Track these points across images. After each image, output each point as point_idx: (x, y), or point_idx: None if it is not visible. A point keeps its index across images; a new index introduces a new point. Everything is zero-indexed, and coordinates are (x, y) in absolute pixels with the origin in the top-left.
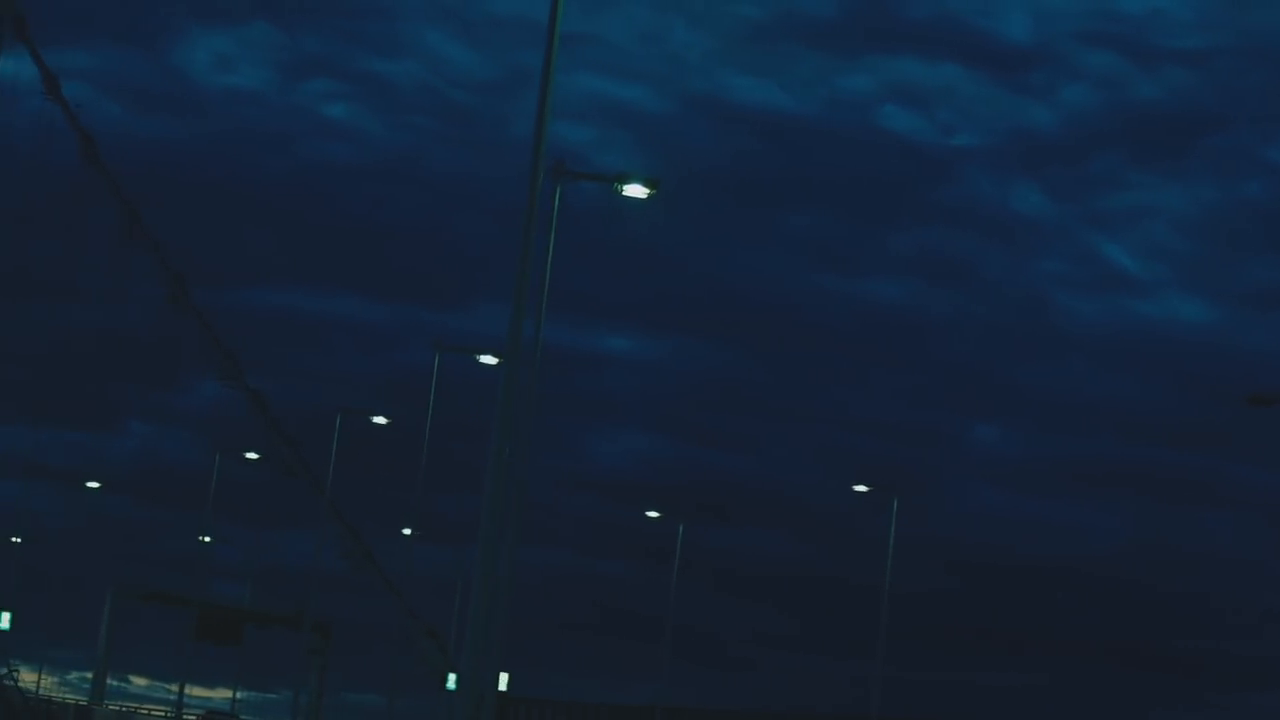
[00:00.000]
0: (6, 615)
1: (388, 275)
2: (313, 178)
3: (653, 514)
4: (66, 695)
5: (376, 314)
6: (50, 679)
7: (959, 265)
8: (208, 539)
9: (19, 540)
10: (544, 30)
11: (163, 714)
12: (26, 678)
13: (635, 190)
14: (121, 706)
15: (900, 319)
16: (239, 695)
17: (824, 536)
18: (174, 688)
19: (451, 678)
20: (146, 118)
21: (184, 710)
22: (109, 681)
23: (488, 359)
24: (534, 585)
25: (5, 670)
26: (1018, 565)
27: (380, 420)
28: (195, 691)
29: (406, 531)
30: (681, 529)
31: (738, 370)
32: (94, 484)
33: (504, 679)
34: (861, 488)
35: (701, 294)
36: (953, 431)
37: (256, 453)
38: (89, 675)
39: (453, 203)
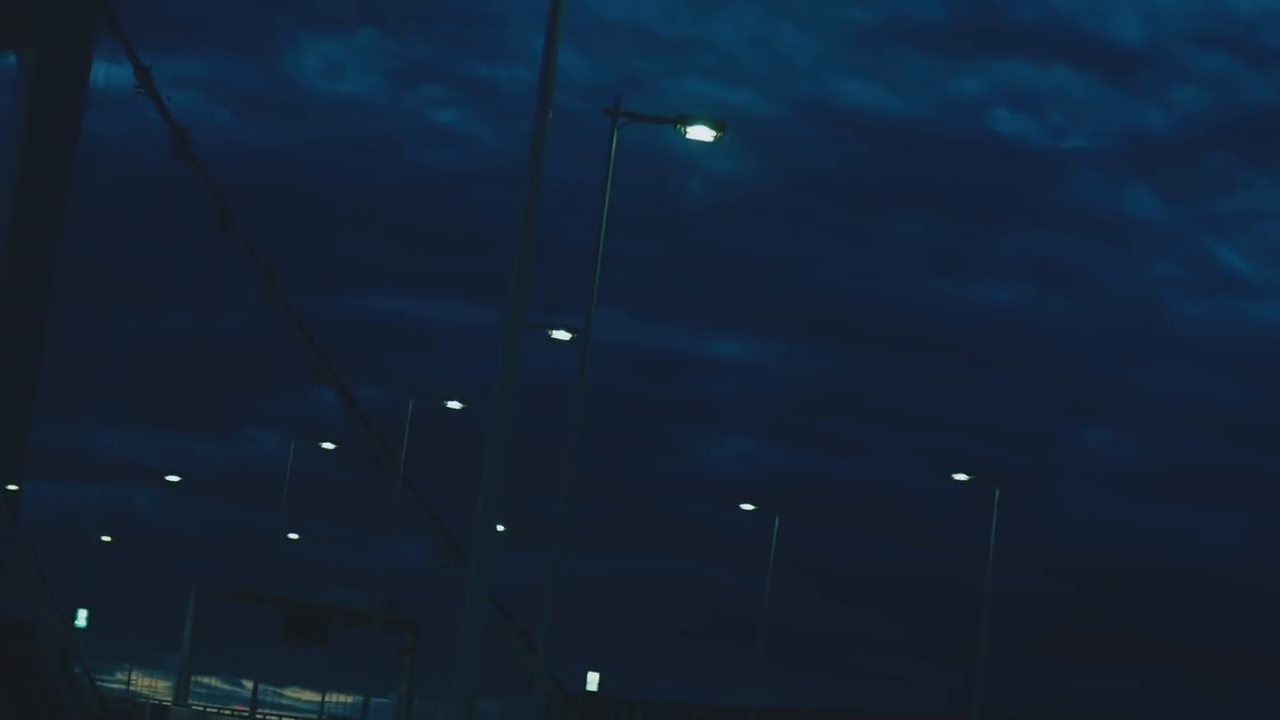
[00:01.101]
0: (83, 613)
1: (495, 280)
2: (421, 183)
3: (747, 506)
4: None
5: (485, 319)
6: (163, 683)
7: (1070, 269)
8: (295, 536)
9: (108, 539)
10: (654, 36)
11: (244, 714)
12: (141, 681)
13: (700, 133)
14: (205, 707)
15: (1011, 323)
16: (349, 698)
17: (933, 541)
18: (289, 692)
19: None
20: (256, 125)
21: (282, 713)
22: (222, 686)
23: (560, 334)
24: (643, 589)
25: (81, 668)
26: (1129, 569)
27: (455, 405)
28: (307, 696)
29: (500, 528)
30: (778, 522)
31: (847, 375)
32: (174, 477)
33: (594, 678)
34: (962, 476)
35: (811, 298)
36: (1064, 435)
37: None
38: (202, 679)
39: (561, 208)
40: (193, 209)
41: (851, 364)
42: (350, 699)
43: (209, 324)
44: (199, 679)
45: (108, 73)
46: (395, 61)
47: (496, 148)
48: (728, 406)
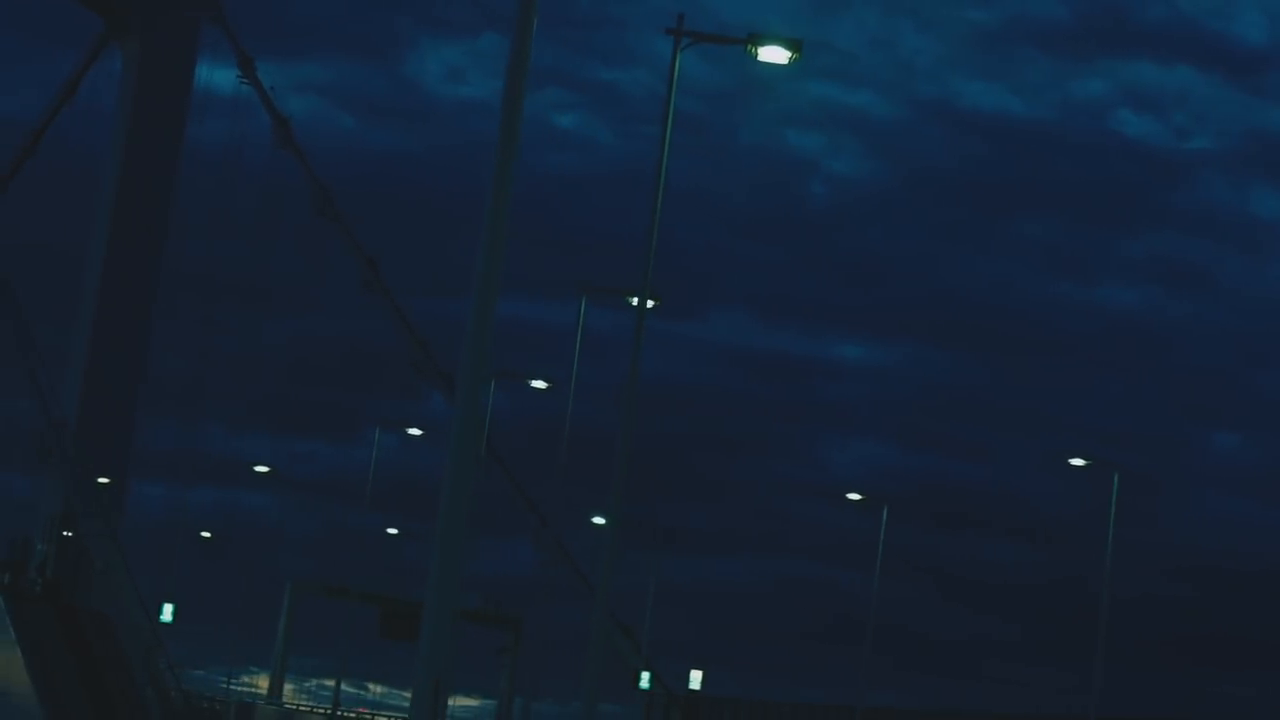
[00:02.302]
0: (169, 607)
1: (618, 284)
2: (543, 188)
3: (854, 496)
4: (310, 704)
5: (606, 323)
6: (289, 686)
7: (1195, 270)
8: (393, 531)
9: (208, 535)
10: (774, 39)
11: (325, 712)
12: (260, 683)
13: (772, 54)
14: (297, 705)
15: (1135, 325)
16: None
17: (1056, 543)
18: (408, 694)
19: (645, 676)
20: (378, 129)
21: (375, 712)
22: (347, 689)
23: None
24: (765, 592)
25: (166, 664)
26: (1255, 572)
27: (539, 384)
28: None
29: (598, 520)
30: (885, 512)
31: (970, 377)
32: (263, 467)
33: (697, 677)
34: (1078, 461)
35: (933, 301)
36: (1189, 438)
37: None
38: (328, 682)
39: (683, 212)
40: (296, 200)
41: (974, 366)
42: (475, 701)
43: (314, 319)
44: (322, 682)
45: (212, 63)
46: None
47: (618, 151)
48: (851, 410)
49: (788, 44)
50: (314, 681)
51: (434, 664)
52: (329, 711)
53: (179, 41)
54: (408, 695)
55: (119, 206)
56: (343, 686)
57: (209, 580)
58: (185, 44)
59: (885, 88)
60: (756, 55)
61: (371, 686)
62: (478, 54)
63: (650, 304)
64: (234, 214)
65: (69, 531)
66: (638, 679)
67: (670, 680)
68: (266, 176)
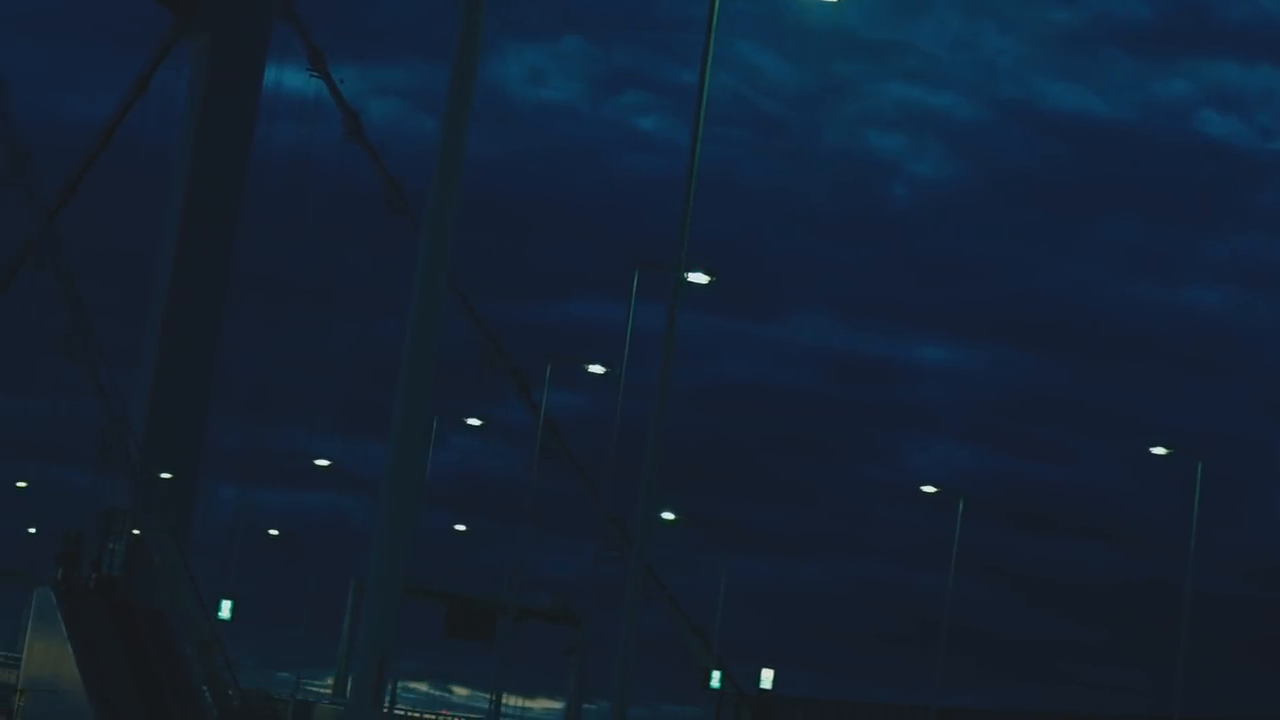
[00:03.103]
0: (227, 604)
1: (700, 287)
2: (624, 190)
3: (929, 489)
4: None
5: (689, 325)
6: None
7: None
8: (462, 527)
9: (275, 532)
10: (857, 40)
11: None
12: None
13: None
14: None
15: (1219, 326)
16: (555, 703)
17: (1142, 546)
18: (488, 694)
19: (715, 675)
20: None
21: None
22: (430, 690)
23: (698, 277)
24: (846, 594)
25: (224, 661)
26: None
27: (597, 369)
28: (512, 701)
29: (668, 515)
30: (961, 506)
31: (1052, 379)
32: (322, 460)
33: (768, 676)
34: (1160, 450)
35: (1015, 301)
36: (1276, 439)
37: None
38: (409, 684)
39: (765, 214)
40: (368, 198)
41: (1056, 368)
42: (558, 704)
43: (385, 318)
44: (405, 684)
45: (282, 61)
46: (598, 68)
47: (699, 154)
48: (932, 411)
49: None
50: (400, 685)
51: (378, 643)
52: (389, 711)
53: (250, 38)
54: (487, 695)
55: (189, 205)
56: (425, 688)
57: (287, 582)
58: (256, 41)
59: (967, 89)
60: None
61: (456, 689)
62: (559, 56)
63: (705, 279)
64: (305, 212)
65: (137, 530)
66: (708, 678)
67: (744, 681)
68: (337, 175)
